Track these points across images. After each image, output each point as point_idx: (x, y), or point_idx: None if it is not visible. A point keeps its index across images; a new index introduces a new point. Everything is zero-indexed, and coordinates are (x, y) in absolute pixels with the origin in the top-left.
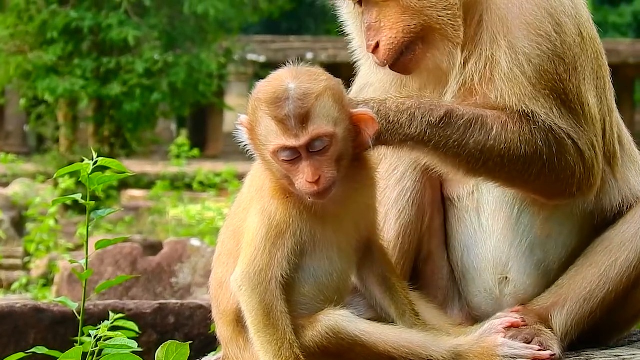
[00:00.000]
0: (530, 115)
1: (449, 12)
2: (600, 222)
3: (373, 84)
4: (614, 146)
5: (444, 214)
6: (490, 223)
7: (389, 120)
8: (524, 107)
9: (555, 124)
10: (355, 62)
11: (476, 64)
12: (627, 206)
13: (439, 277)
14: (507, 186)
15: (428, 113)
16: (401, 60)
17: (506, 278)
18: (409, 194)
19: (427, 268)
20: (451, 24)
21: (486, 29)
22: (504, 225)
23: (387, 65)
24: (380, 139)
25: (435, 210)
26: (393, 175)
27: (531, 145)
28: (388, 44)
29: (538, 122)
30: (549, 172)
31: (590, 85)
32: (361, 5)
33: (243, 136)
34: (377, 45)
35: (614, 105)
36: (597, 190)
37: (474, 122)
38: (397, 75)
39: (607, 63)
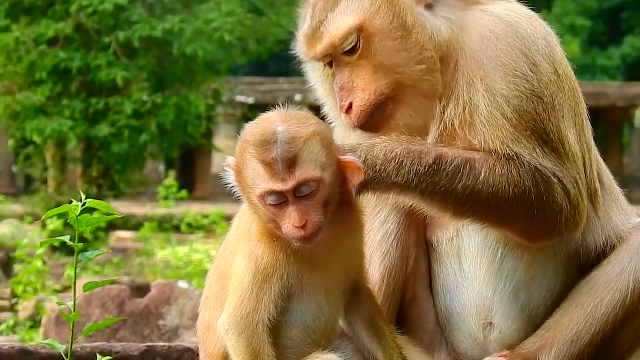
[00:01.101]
0: (516, 157)
1: (423, 67)
2: (585, 262)
3: None
4: (594, 184)
5: (429, 256)
6: (472, 269)
7: (376, 170)
8: (508, 150)
9: (540, 164)
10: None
11: (455, 109)
12: (611, 245)
13: (425, 321)
14: (494, 228)
15: (417, 161)
16: (371, 121)
17: (491, 324)
18: (393, 236)
19: (413, 311)
20: (426, 79)
21: (462, 73)
22: (487, 271)
23: (359, 128)
24: (367, 187)
25: (420, 252)
26: (377, 218)
27: (519, 187)
28: (361, 105)
29: (524, 164)
30: (537, 213)
31: (569, 123)
32: (331, 67)
33: (231, 178)
34: (350, 106)
35: (592, 142)
36: (582, 228)
37: (462, 167)
38: (371, 135)
39: (583, 100)
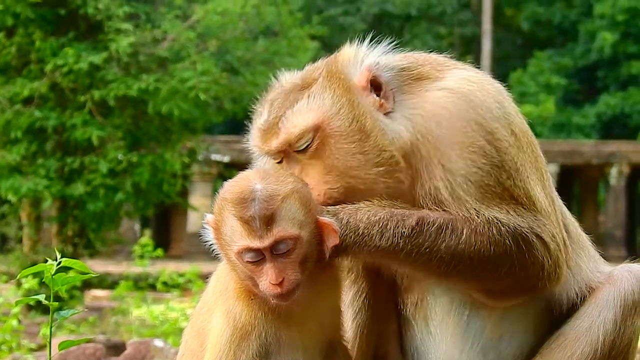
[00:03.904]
0: (495, 220)
1: (381, 169)
2: (557, 316)
3: None
4: (562, 235)
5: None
6: (439, 331)
7: (359, 233)
8: (483, 217)
9: (517, 224)
10: None
11: (422, 194)
12: (582, 296)
13: None
14: (476, 287)
15: (400, 223)
16: None
17: None
18: (364, 294)
19: None
20: (383, 181)
21: (423, 160)
22: (453, 332)
23: None
24: (348, 251)
25: (391, 310)
26: (348, 276)
27: (500, 246)
28: None
29: (503, 224)
30: (519, 270)
31: (534, 181)
32: (281, 162)
33: (209, 235)
34: None
35: (555, 193)
36: (563, 281)
37: (444, 227)
38: None
39: (541, 153)
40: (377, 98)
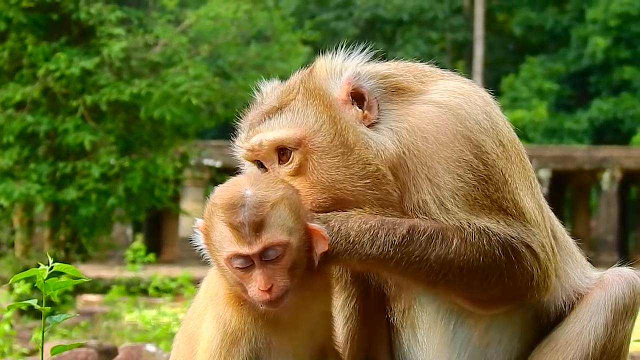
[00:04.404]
0: (486, 229)
1: (367, 181)
2: (545, 320)
3: None
4: (551, 243)
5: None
6: (426, 340)
7: (350, 240)
8: (473, 226)
9: (507, 233)
10: None
11: (410, 205)
12: (570, 303)
13: None
14: (465, 295)
15: (391, 232)
16: None
17: None
18: (354, 300)
19: None
20: (371, 193)
21: (410, 174)
22: (440, 341)
23: None
24: (339, 259)
25: (381, 315)
26: (339, 282)
27: (490, 256)
28: None
29: (493, 234)
30: (508, 280)
31: (523, 191)
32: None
33: (199, 240)
34: None
35: (543, 200)
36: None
37: (434, 236)
38: None
39: (528, 161)
40: (360, 110)
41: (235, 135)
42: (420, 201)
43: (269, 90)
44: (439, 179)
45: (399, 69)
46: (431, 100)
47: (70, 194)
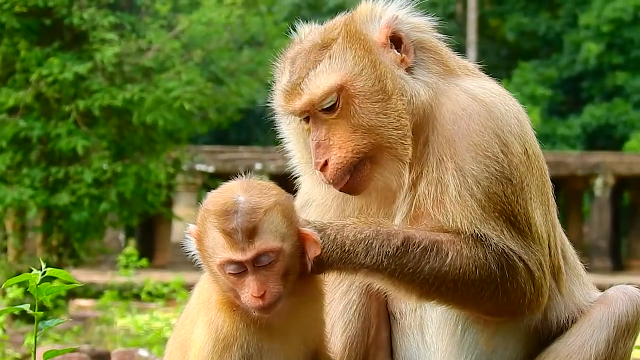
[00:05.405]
0: (483, 239)
1: (399, 132)
2: (546, 335)
3: (315, 200)
4: (558, 261)
5: (390, 327)
6: (434, 340)
7: (345, 249)
8: (475, 231)
9: (507, 246)
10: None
11: (426, 186)
12: (572, 320)
13: None
14: (458, 308)
15: (385, 242)
16: (350, 180)
17: None
18: (354, 306)
19: None
20: (401, 143)
21: (432, 150)
22: (448, 343)
23: (335, 186)
24: (334, 267)
25: (381, 322)
26: (339, 288)
27: (485, 270)
28: (337, 162)
29: (491, 245)
30: (502, 295)
31: (536, 204)
32: (307, 122)
33: (191, 246)
34: (325, 163)
35: (557, 220)
36: (543, 308)
37: (429, 249)
38: (341, 193)
39: (549, 179)
40: (398, 54)
41: (273, 81)
42: (438, 179)
43: (308, 31)
44: (465, 164)
45: (437, 36)
46: (467, 89)
47: (63, 199)
